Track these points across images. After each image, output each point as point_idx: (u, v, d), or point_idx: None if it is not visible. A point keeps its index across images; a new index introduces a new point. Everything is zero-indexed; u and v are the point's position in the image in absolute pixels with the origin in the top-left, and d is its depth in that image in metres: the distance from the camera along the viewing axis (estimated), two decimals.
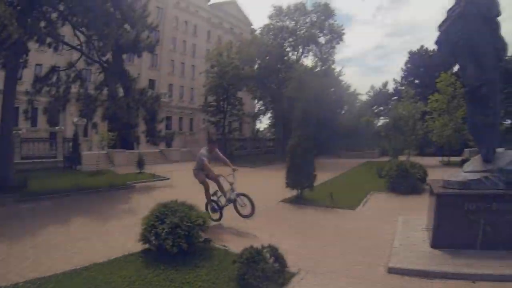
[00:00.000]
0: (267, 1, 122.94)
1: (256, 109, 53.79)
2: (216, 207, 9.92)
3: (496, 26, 7.30)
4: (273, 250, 5.82)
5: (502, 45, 7.30)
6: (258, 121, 57.46)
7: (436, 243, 6.80)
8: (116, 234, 8.69)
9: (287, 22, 46.48)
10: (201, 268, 6.13)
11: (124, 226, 9.50)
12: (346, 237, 8.54)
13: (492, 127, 7.32)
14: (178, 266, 6.09)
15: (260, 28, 48.39)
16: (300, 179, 13.09)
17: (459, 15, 7.38)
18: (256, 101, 52.26)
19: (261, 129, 63.70)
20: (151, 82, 43.78)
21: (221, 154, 10.23)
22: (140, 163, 23.35)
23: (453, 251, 6.51)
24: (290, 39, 45.95)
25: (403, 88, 49.23)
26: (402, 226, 8.76)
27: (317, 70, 44.94)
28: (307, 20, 46.90)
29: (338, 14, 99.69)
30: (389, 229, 8.62)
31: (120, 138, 26.35)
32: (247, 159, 35.91)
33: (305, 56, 48.11)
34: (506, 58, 43.31)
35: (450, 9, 7.67)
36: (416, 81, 58.32)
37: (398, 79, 64.52)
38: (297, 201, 12.99)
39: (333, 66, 49.08)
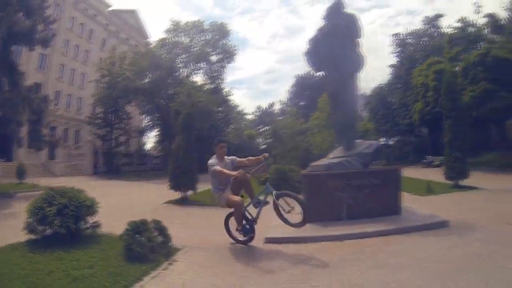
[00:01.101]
0: (166, 15, 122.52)
1: (143, 124, 52.77)
2: (248, 226, 6.92)
3: (355, 45, 9.02)
4: (157, 223, 6.24)
5: (359, 60, 9.00)
6: (145, 137, 56.54)
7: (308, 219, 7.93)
8: None
9: (183, 38, 46.83)
10: (90, 249, 6.18)
11: (3, 227, 9.17)
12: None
13: (350, 123, 9.00)
14: (67, 248, 6.06)
15: (155, 41, 48.14)
16: (183, 181, 13.68)
17: (327, 33, 8.95)
18: (144, 116, 51.41)
19: (148, 145, 62.45)
20: (37, 86, 38.66)
21: (238, 159, 7.41)
22: (20, 173, 21.64)
23: (324, 223, 7.66)
24: (183, 56, 46.28)
25: (289, 108, 53.07)
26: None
27: (206, 87, 45.85)
28: (202, 38, 47.69)
29: (235, 37, 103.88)
30: (269, 217, 9.60)
31: None
32: (134, 173, 35.57)
33: (196, 74, 48.88)
34: (381, 85, 49.73)
35: (320, 28, 9.24)
36: (301, 103, 62.71)
37: (285, 101, 69.05)
38: (181, 202, 13.63)
39: (222, 86, 50.52)
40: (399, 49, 52.04)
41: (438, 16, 49.49)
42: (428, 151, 38.61)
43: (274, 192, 6.67)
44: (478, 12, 36.72)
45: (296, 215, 6.43)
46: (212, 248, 6.84)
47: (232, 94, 56.29)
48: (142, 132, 52.21)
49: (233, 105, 53.86)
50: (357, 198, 7.93)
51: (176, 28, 46.42)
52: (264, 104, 75.88)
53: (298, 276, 5.10)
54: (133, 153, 50.25)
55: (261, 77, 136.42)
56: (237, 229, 6.89)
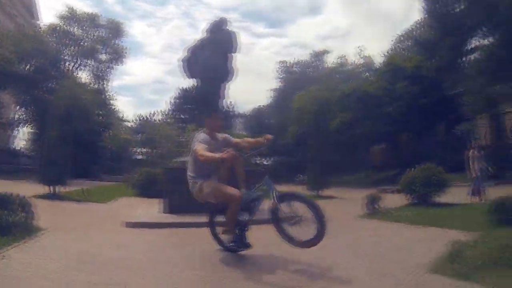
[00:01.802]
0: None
1: (16, 117, 44.74)
2: (239, 236, 4.88)
3: (229, 59, 10.33)
4: (21, 199, 6.29)
5: (230, 73, 10.37)
6: (16, 132, 47.48)
7: (167, 210, 8.70)
8: None
9: (75, 29, 43.68)
10: None
11: None
12: (96, 215, 10.39)
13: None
14: None
15: (45, 25, 44.09)
16: (55, 173, 13.42)
17: (205, 44, 10.13)
18: (17, 107, 43.88)
19: (18, 142, 54.61)
20: None
21: (234, 139, 5.37)
22: None
23: (181, 214, 8.42)
24: (72, 48, 43.53)
25: (168, 120, 53.65)
26: (144, 209, 10.71)
27: (90, 86, 43.16)
28: (96, 34, 45.24)
29: (130, 41, 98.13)
30: (133, 211, 10.40)
31: None
32: None
33: (81, 70, 45.74)
34: (261, 106, 53.04)
35: (200, 39, 10.40)
36: (183, 116, 62.78)
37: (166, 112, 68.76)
38: (51, 196, 13.28)
39: (107, 88, 48.26)
40: (284, 75, 55.19)
41: (326, 52, 53.92)
42: (302, 171, 41.97)
43: (275, 192, 4.66)
44: (360, 55, 43.30)
45: (304, 229, 4.47)
46: (77, 231, 7.26)
47: (116, 99, 53.38)
48: (12, 125, 44.42)
49: (114, 110, 51.38)
50: None
51: (71, 16, 43.22)
52: (147, 113, 74.23)
53: (154, 252, 5.79)
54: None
55: (148, 86, 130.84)
56: (224, 232, 4.95)
